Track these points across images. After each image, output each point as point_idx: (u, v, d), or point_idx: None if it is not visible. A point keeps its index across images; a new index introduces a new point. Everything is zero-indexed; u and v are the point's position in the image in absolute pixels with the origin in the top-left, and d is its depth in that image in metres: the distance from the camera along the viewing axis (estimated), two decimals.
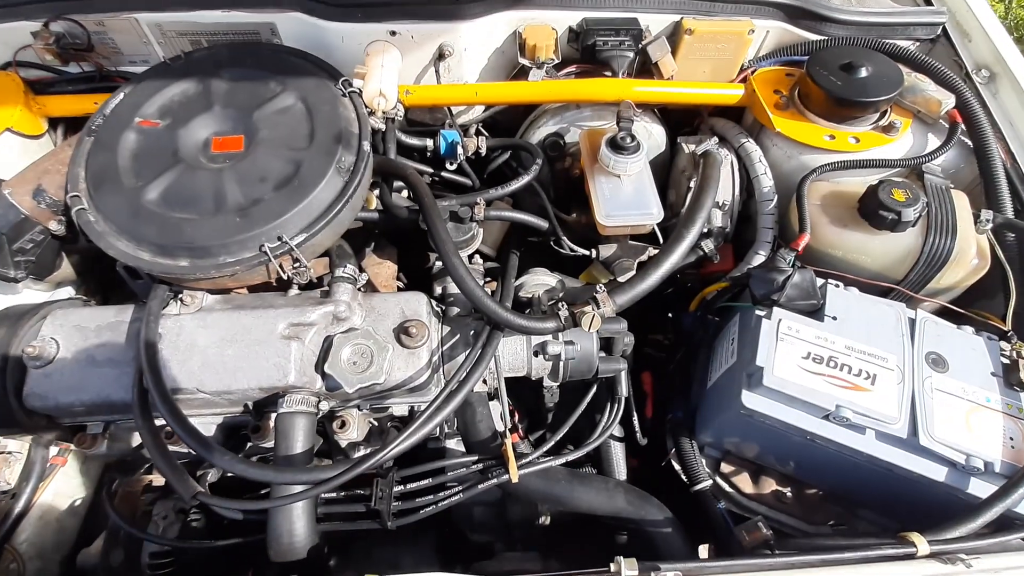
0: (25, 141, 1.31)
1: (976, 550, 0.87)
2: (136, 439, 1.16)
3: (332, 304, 1.06)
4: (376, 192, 1.26)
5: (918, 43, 1.48)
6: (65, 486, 1.34)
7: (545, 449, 1.11)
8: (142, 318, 1.01)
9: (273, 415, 1.07)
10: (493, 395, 1.20)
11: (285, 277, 1.05)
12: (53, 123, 1.38)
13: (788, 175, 1.35)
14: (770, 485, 1.23)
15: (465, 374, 1.01)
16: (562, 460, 1.12)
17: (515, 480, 1.01)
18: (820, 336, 1.05)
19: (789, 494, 1.21)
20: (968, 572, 0.83)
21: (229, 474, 1.23)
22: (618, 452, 1.30)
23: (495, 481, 1.03)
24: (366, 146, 1.10)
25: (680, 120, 1.59)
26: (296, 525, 0.93)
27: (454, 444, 1.21)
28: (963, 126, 1.30)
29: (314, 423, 1.03)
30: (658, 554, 1.08)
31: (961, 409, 1.00)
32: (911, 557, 0.86)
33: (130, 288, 1.13)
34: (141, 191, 1.02)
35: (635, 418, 1.26)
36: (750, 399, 1.02)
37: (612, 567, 0.82)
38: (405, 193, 1.32)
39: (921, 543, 0.87)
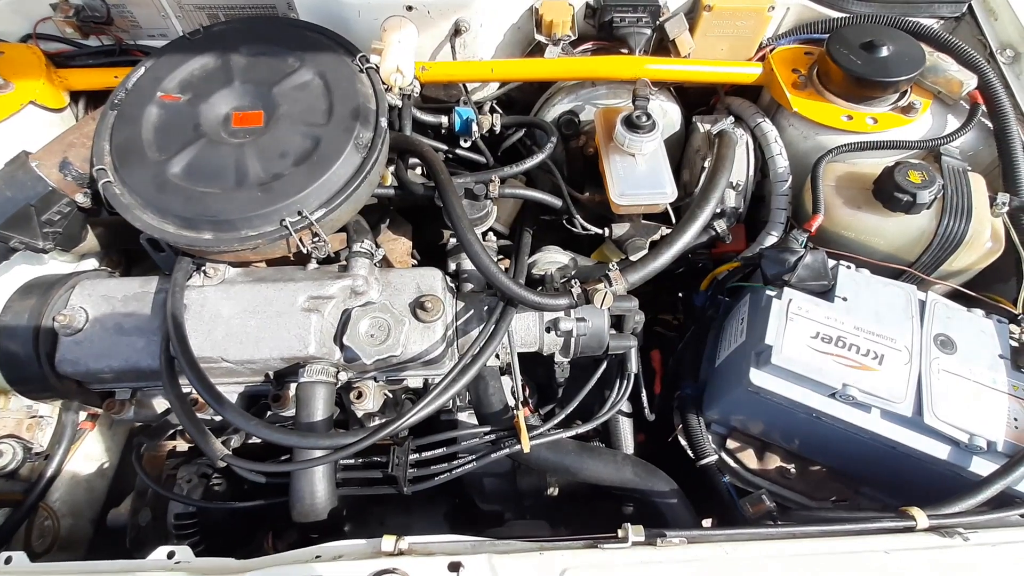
0: (48, 114, 1.33)
1: (974, 525, 0.89)
2: (161, 406, 1.21)
3: (350, 278, 1.08)
4: (391, 169, 1.28)
5: (943, 21, 1.45)
6: (93, 450, 1.40)
7: (556, 422, 1.15)
8: (167, 289, 1.05)
9: (292, 385, 1.11)
10: (505, 371, 1.23)
11: (305, 251, 1.07)
12: (74, 97, 1.40)
13: (804, 156, 1.34)
14: (775, 461, 1.26)
15: (479, 348, 1.04)
16: (572, 433, 1.15)
17: (527, 450, 1.04)
18: (829, 316, 1.06)
19: (793, 470, 1.24)
20: (965, 545, 0.86)
21: (250, 441, 1.29)
22: (626, 427, 1.33)
23: (507, 451, 1.07)
24: (384, 122, 1.11)
25: (696, 99, 1.58)
26: (317, 487, 0.98)
27: (466, 417, 1.24)
28: (984, 107, 1.28)
29: (333, 392, 1.07)
30: (664, 524, 1.11)
31: (967, 390, 1.01)
32: (910, 530, 0.89)
33: (152, 260, 1.16)
34: (165, 165, 1.04)
35: (644, 394, 1.28)
36: (758, 377, 1.04)
37: (620, 533, 0.86)
38: (419, 171, 1.34)
39: (921, 517, 0.89)
